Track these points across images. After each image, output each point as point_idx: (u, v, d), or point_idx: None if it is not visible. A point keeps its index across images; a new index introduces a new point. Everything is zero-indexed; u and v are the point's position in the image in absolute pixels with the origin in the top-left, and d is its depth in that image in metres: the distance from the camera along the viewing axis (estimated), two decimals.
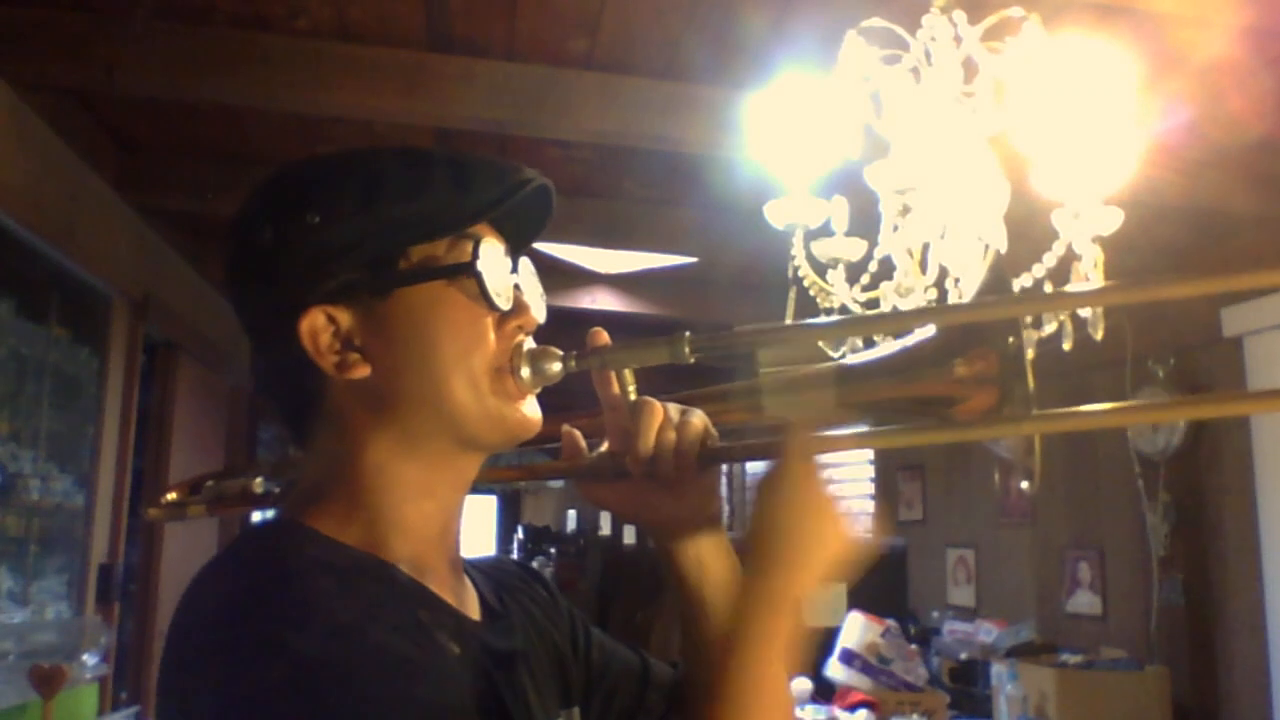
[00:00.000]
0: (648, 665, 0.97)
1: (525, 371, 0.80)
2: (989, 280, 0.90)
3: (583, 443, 0.90)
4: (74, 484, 3.18)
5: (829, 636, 3.45)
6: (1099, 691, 3.29)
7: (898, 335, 0.91)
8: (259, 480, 1.00)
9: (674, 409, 0.84)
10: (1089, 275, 1.69)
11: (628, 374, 0.85)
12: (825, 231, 1.85)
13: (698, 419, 0.83)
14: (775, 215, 1.82)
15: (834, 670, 3.38)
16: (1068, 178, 1.69)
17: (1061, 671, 3.33)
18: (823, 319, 0.83)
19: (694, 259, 3.95)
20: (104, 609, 3.30)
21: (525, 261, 0.84)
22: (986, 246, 1.70)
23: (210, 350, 4.53)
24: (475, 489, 0.87)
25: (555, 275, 4.29)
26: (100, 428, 3.33)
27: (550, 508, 12.26)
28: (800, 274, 1.85)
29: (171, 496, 1.04)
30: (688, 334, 0.80)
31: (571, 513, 11.24)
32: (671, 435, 0.82)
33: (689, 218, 3.52)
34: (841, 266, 1.85)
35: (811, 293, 1.85)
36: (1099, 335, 1.71)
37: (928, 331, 0.87)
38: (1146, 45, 2.12)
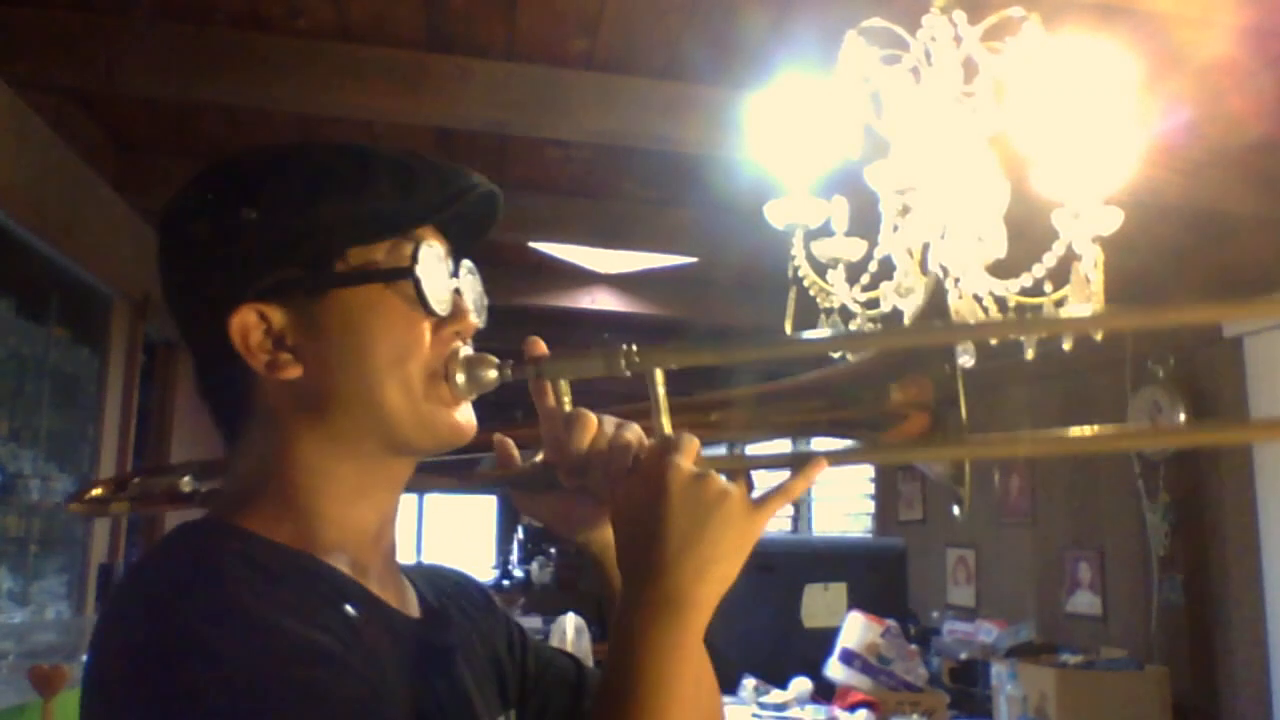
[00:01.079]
0: (582, 672, 0.97)
1: (460, 378, 0.78)
2: (928, 305, 0.90)
3: (515, 451, 0.89)
4: (74, 484, 3.18)
5: (829, 636, 3.45)
6: (1099, 691, 3.29)
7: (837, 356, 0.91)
8: (186, 479, 0.98)
9: (609, 422, 0.81)
10: (1089, 275, 1.69)
11: (564, 385, 0.83)
12: (825, 231, 1.85)
13: (631, 433, 0.80)
14: (775, 215, 1.82)
15: (834, 670, 3.38)
16: (1068, 178, 1.68)
17: (1061, 671, 3.33)
18: (755, 335, 0.83)
19: (694, 259, 3.95)
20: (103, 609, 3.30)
21: (467, 264, 0.83)
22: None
23: None
24: (476, 490, 0.86)
25: (555, 275, 4.29)
26: (100, 428, 3.33)
27: None
28: (800, 274, 1.85)
29: (96, 492, 1.01)
30: (624, 346, 0.79)
31: None
32: (603, 447, 0.80)
33: (689, 218, 3.52)
34: (841, 266, 1.85)
35: (811, 293, 1.85)
36: (1099, 336, 1.71)
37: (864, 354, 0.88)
38: (1146, 45, 2.12)
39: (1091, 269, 1.70)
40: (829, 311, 1.86)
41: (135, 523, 3.76)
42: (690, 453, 0.75)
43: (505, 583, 7.84)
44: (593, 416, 0.81)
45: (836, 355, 1.02)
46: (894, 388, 0.85)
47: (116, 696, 0.65)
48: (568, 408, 0.82)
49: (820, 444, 0.88)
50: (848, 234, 1.85)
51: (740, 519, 0.74)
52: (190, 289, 0.79)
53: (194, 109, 2.89)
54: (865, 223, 1.85)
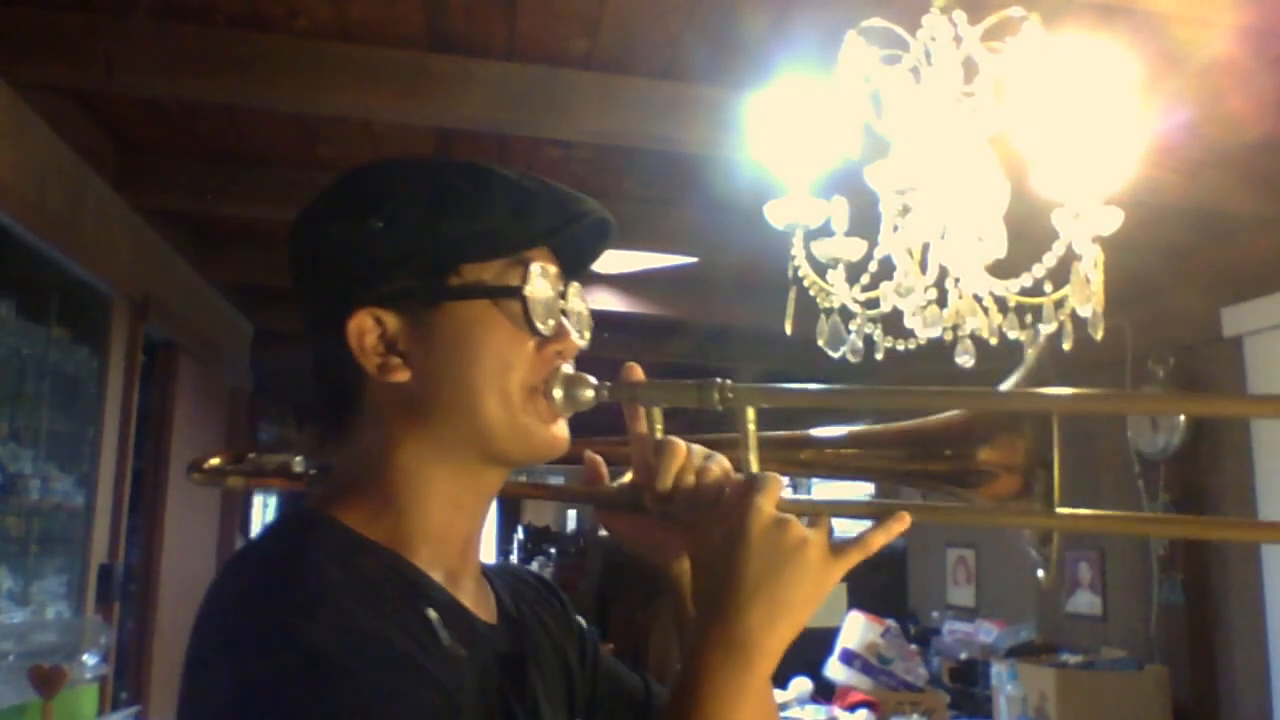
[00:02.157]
0: (650, 691, 0.99)
1: (558, 394, 0.82)
2: (1032, 369, 0.90)
3: (604, 470, 0.93)
4: (74, 484, 3.18)
5: (829, 636, 3.45)
6: (1099, 691, 3.29)
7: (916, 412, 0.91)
8: (299, 459, 1.01)
9: (698, 452, 0.85)
10: (1089, 275, 1.69)
11: (656, 412, 0.86)
12: (825, 231, 1.85)
13: (718, 465, 0.84)
14: (775, 215, 1.82)
15: (834, 670, 3.38)
16: (1068, 178, 1.68)
17: (1061, 671, 3.33)
18: (846, 387, 0.84)
19: (694, 259, 3.95)
20: (104, 609, 3.30)
21: (576, 287, 0.87)
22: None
23: (210, 350, 4.53)
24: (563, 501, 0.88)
25: None
26: (100, 428, 3.33)
27: (550, 508, 12.26)
28: (800, 274, 1.85)
29: (214, 462, 1.05)
30: (719, 381, 0.81)
31: (571, 513, 11.24)
32: (690, 479, 0.83)
33: (689, 218, 3.52)
34: (841, 266, 1.85)
35: (811, 293, 1.85)
36: (1099, 335, 1.71)
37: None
38: (1146, 45, 2.12)
39: (1091, 269, 1.70)
40: (829, 311, 1.86)
41: (135, 523, 3.76)
42: (773, 495, 0.77)
43: None
44: (682, 445, 0.84)
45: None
46: (984, 447, 0.85)
47: (208, 682, 0.69)
48: (659, 434, 0.86)
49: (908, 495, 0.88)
50: (848, 234, 1.85)
51: (817, 568, 0.76)
52: (315, 289, 0.83)
53: (194, 109, 2.89)
54: (865, 223, 1.85)
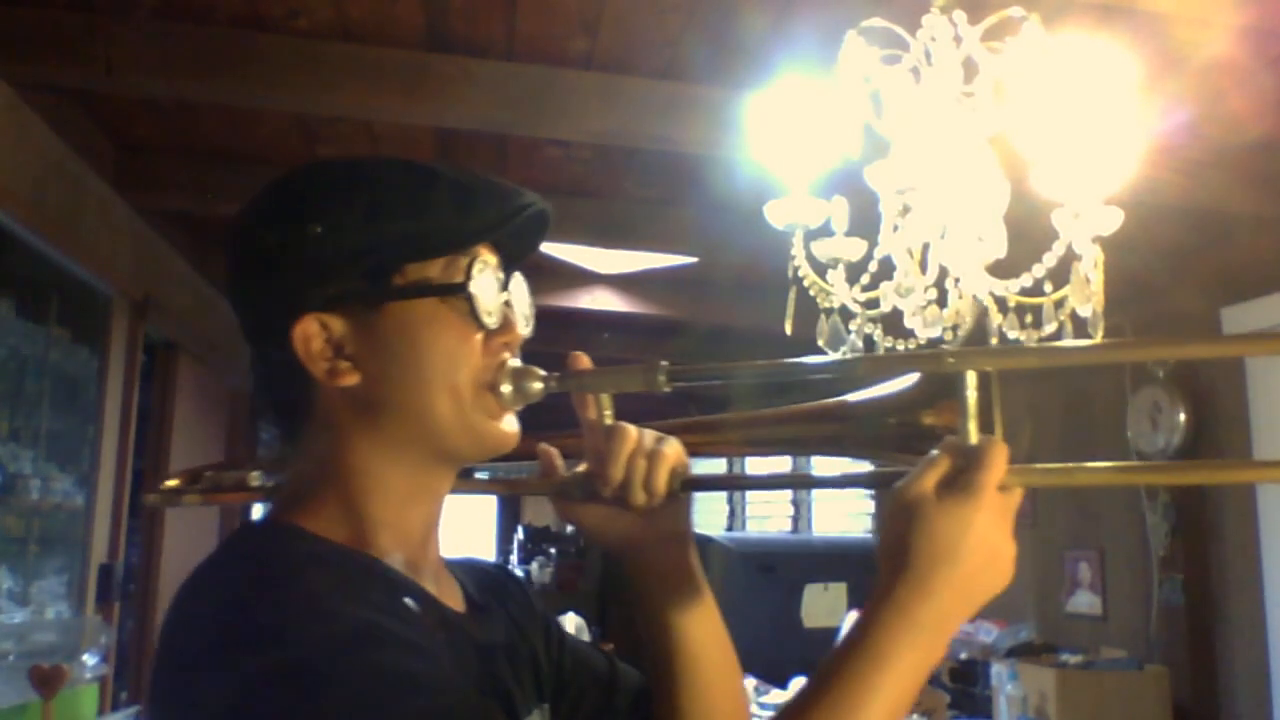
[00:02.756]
0: (615, 670, 0.99)
1: (507, 389, 0.82)
2: (972, 333, 0.92)
3: (559, 461, 0.93)
4: (74, 484, 3.18)
5: (829, 636, 3.45)
6: (1099, 691, 3.29)
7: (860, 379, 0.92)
8: (256, 474, 1.02)
9: (649, 436, 0.85)
10: (1089, 275, 1.69)
11: (605, 398, 0.86)
12: (825, 231, 1.84)
13: (670, 448, 0.84)
14: (775, 215, 1.81)
15: None
16: (1068, 178, 1.68)
17: (1061, 671, 3.33)
18: (792, 360, 0.84)
19: (694, 259, 3.95)
20: (104, 609, 3.30)
21: (518, 277, 0.87)
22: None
23: (210, 350, 4.53)
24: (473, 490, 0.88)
25: (555, 275, 4.29)
26: (100, 428, 3.33)
27: (550, 508, 12.25)
28: (800, 274, 1.85)
29: (172, 483, 1.06)
30: (663, 363, 0.81)
31: None
32: (642, 463, 0.83)
33: (689, 218, 3.52)
34: (841, 266, 1.85)
35: (811, 293, 1.85)
36: (1099, 336, 1.71)
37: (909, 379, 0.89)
38: (1146, 45, 2.12)
39: (1091, 269, 1.69)
40: (829, 311, 1.86)
41: (135, 523, 3.76)
42: (1001, 470, 0.72)
43: None
44: (632, 430, 0.84)
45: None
46: (927, 413, 0.86)
47: (196, 697, 0.66)
48: (608, 421, 0.86)
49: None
50: (848, 234, 1.84)
51: (1007, 556, 0.73)
52: (257, 297, 0.83)
53: (194, 109, 2.89)
54: (865, 223, 1.85)
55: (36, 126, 2.70)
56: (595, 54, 2.45)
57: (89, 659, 2.93)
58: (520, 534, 8.54)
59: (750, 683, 3.33)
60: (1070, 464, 0.78)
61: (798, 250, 1.83)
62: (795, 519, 6.69)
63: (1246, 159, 2.75)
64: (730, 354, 5.31)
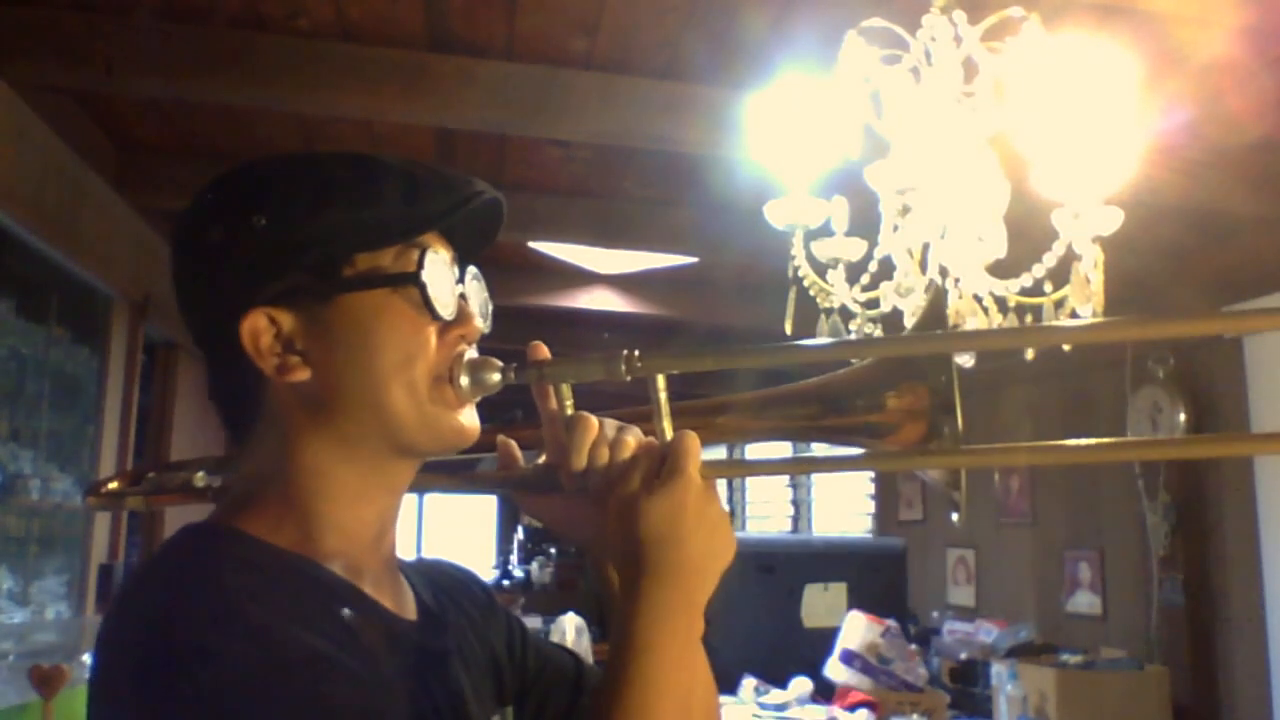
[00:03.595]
0: (581, 669, 0.98)
1: (464, 381, 0.80)
2: (928, 313, 0.92)
3: (518, 453, 0.90)
4: (74, 484, 3.18)
5: (829, 636, 3.45)
6: (1099, 691, 3.29)
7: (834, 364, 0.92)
8: (200, 474, 0.99)
9: (610, 426, 0.82)
10: (1089, 275, 1.69)
11: (566, 388, 0.84)
12: (825, 231, 1.85)
13: (632, 437, 0.81)
14: (775, 215, 1.82)
15: (834, 670, 3.38)
16: (1068, 178, 1.68)
17: (1061, 671, 3.33)
18: (754, 342, 0.84)
19: (694, 259, 3.95)
20: (104, 609, 3.30)
21: (473, 270, 0.85)
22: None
23: None
24: (478, 490, 0.87)
25: (555, 275, 4.29)
26: (100, 428, 3.33)
27: None
28: (800, 274, 1.85)
29: (112, 486, 1.03)
30: (624, 352, 0.80)
31: None
32: (604, 452, 0.80)
33: (689, 218, 3.52)
34: (841, 266, 1.85)
35: (811, 293, 1.85)
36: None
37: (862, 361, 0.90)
38: (1146, 45, 2.12)
39: (1091, 269, 1.70)
40: (829, 311, 1.86)
41: (135, 523, 3.76)
42: (697, 456, 0.77)
43: (505, 583, 7.84)
44: (594, 420, 0.81)
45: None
46: (891, 395, 0.86)
47: (119, 700, 0.66)
48: (569, 411, 0.83)
49: (819, 450, 0.89)
50: (848, 234, 1.85)
51: (728, 528, 0.78)
52: (202, 293, 0.80)
53: (194, 109, 2.89)
54: (865, 223, 1.85)
55: (36, 126, 2.70)
56: (595, 54, 2.45)
57: (89, 659, 2.92)
58: (520, 534, 8.55)
59: (750, 683, 3.33)
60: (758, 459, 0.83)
61: (798, 250, 1.83)
62: (795, 519, 6.70)
63: (1246, 159, 2.75)
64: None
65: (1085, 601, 4.01)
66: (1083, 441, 0.75)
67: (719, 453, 6.45)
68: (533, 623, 6.42)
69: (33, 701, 2.63)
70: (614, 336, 5.14)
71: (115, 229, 3.33)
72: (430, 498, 7.85)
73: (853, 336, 1.86)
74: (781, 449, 5.60)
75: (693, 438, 0.77)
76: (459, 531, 8.37)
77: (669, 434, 0.80)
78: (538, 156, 3.14)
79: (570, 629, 5.12)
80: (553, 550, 7.97)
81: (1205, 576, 3.47)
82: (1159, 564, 3.56)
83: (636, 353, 0.80)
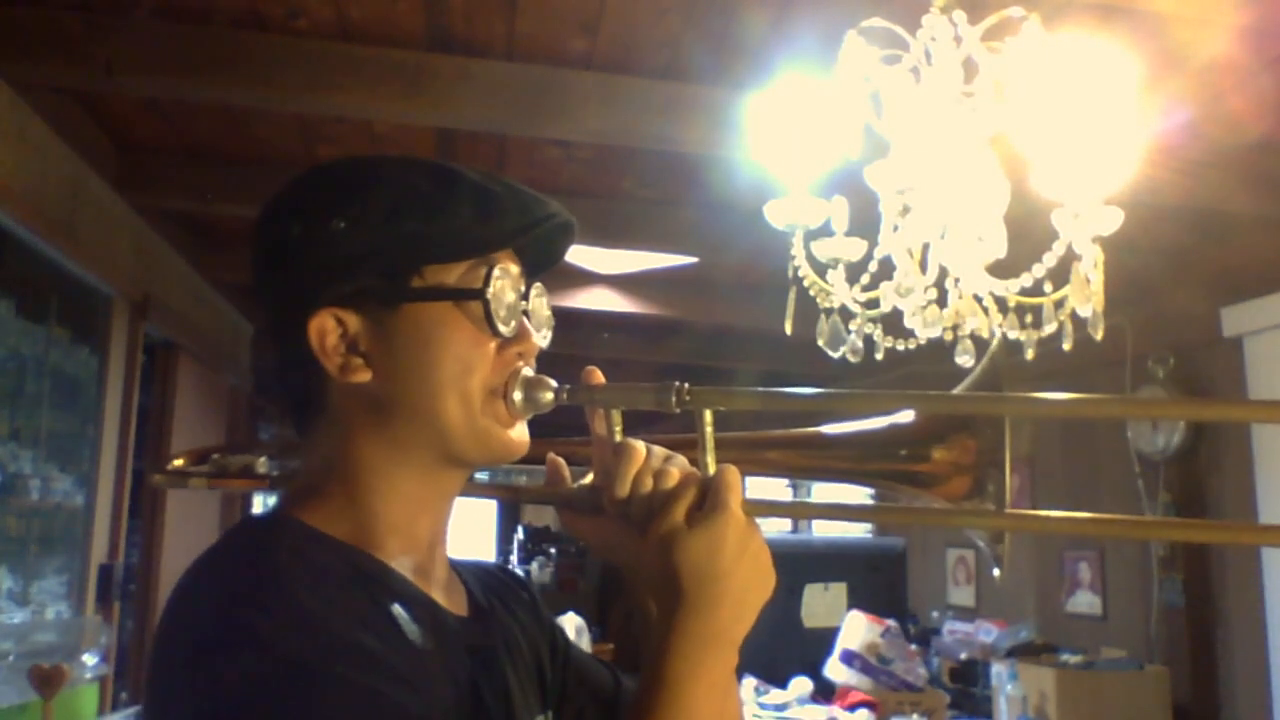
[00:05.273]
0: (620, 685, 0.99)
1: (518, 397, 0.82)
2: (986, 373, 0.92)
3: (566, 471, 0.92)
4: (74, 484, 3.18)
5: (829, 636, 3.45)
6: (1099, 691, 3.29)
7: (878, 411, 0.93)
8: (263, 459, 1.00)
9: (658, 455, 0.84)
10: (1089, 275, 1.69)
11: (616, 414, 0.86)
12: (825, 231, 1.85)
13: (677, 469, 0.82)
14: (775, 215, 1.81)
15: (834, 670, 3.38)
16: (1068, 178, 1.68)
17: (1061, 671, 3.33)
18: (805, 390, 0.85)
19: (694, 259, 3.95)
20: (104, 609, 3.30)
21: (538, 287, 0.87)
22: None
23: (210, 350, 4.53)
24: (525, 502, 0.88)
25: (555, 275, 4.26)
26: (100, 428, 3.33)
27: (550, 509, 12.24)
28: (800, 274, 1.85)
29: (178, 463, 1.05)
30: (676, 384, 0.82)
31: None
32: (649, 481, 0.82)
33: (689, 218, 3.52)
34: (841, 266, 1.85)
35: (811, 293, 1.85)
36: (1099, 335, 1.71)
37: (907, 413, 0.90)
38: (1146, 45, 2.12)
39: (1091, 269, 1.70)
40: (829, 311, 1.86)
41: (135, 523, 3.76)
42: (740, 496, 0.78)
43: None
44: (641, 448, 0.83)
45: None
46: (939, 448, 0.88)
47: (172, 681, 0.69)
48: (618, 437, 0.85)
49: (857, 494, 0.89)
50: (848, 234, 1.85)
51: (768, 563, 0.79)
52: (277, 289, 0.83)
53: (194, 109, 2.89)
54: (865, 223, 1.85)
55: (36, 126, 2.70)
56: (595, 54, 2.45)
57: (89, 659, 2.93)
58: (520, 534, 8.54)
59: (750, 683, 3.33)
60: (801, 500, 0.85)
61: (798, 250, 1.83)
62: (795, 519, 6.69)
63: (1246, 159, 2.75)
64: (730, 354, 5.32)
65: (1085, 601, 4.01)
66: (1125, 518, 0.75)
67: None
68: None
69: (33, 701, 2.63)
70: (614, 336, 5.14)
71: (115, 229, 3.33)
72: None
73: (851, 338, 1.86)
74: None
75: (735, 473, 0.79)
76: (459, 531, 8.34)
77: (712, 468, 0.81)
78: (538, 156, 3.14)
79: (570, 629, 5.12)
80: (553, 550, 7.97)
81: (1205, 576, 3.47)
82: (1159, 564, 3.56)
83: (687, 385, 0.81)
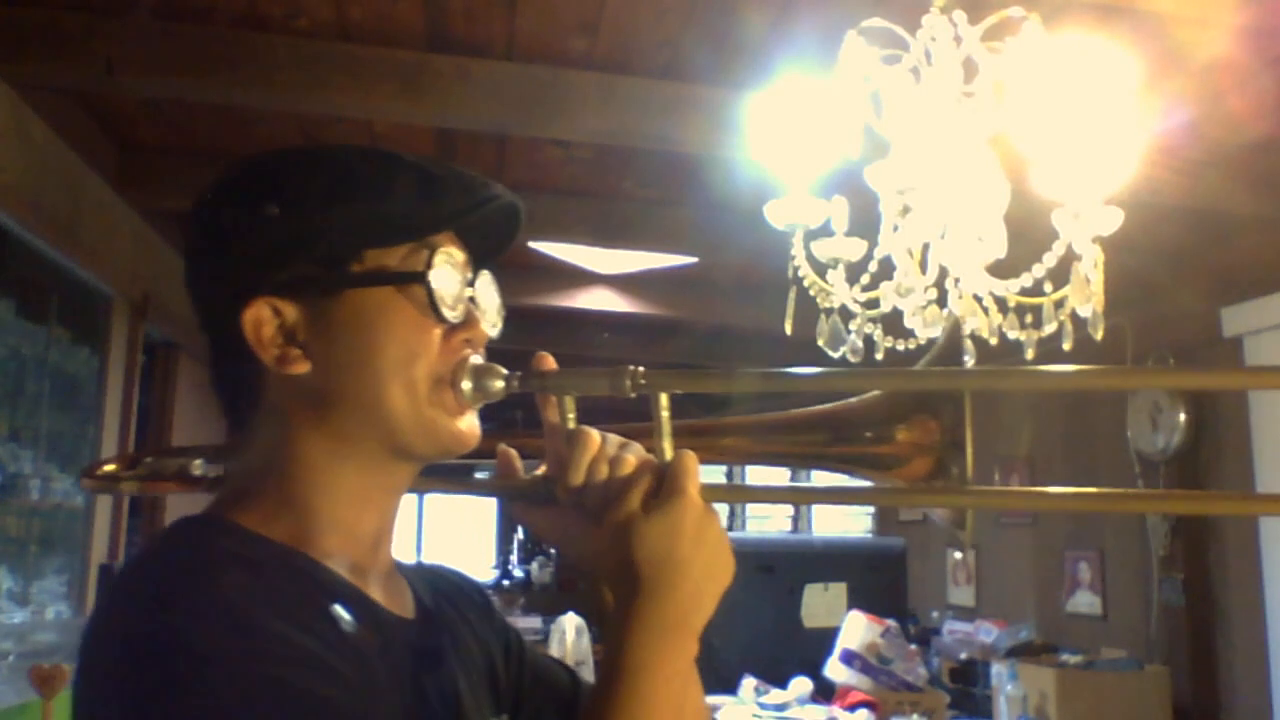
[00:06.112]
0: (577, 687, 0.97)
1: (467, 386, 0.79)
2: (943, 349, 0.91)
3: (518, 462, 0.88)
4: (74, 484, 3.18)
5: (829, 636, 3.45)
6: (1099, 691, 3.29)
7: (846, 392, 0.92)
8: (198, 462, 0.98)
9: (613, 442, 0.80)
10: (1089, 275, 1.69)
11: (569, 401, 0.82)
12: (825, 231, 1.85)
13: (633, 455, 0.79)
14: (775, 215, 1.82)
15: (834, 670, 3.38)
16: (1068, 178, 1.68)
17: (1061, 671, 3.33)
18: (760, 370, 0.84)
19: (694, 259, 3.95)
20: None
21: (486, 275, 0.84)
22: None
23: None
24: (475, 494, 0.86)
25: (555, 275, 4.29)
26: (100, 428, 3.33)
27: None
28: (800, 274, 1.85)
29: (109, 468, 1.02)
30: (630, 368, 0.79)
31: None
32: (604, 469, 0.79)
33: (689, 218, 3.52)
34: (841, 266, 1.85)
35: (811, 293, 1.85)
36: (1099, 336, 1.71)
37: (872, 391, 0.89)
38: (1146, 45, 2.12)
39: (1091, 269, 1.70)
40: (829, 311, 1.86)
41: (135, 523, 3.76)
42: (698, 481, 0.76)
43: (505, 583, 7.84)
44: (595, 435, 0.80)
45: None
46: (900, 428, 0.86)
47: (105, 690, 0.66)
48: (571, 424, 0.82)
49: (821, 479, 0.89)
50: (848, 234, 1.85)
51: (727, 550, 0.77)
52: (209, 278, 0.80)
53: (194, 109, 2.89)
54: (865, 223, 1.85)
55: (36, 126, 2.70)
56: (595, 54, 2.45)
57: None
58: (520, 534, 8.55)
59: (750, 683, 3.33)
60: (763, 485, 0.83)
61: (798, 250, 1.83)
62: (795, 519, 6.70)
63: (1246, 159, 2.75)
64: (730, 354, 5.32)
65: (1085, 601, 4.01)
66: (1082, 490, 0.75)
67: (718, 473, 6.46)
68: (532, 623, 6.43)
69: (33, 701, 2.63)
70: (614, 336, 5.14)
71: (115, 229, 3.33)
72: (430, 497, 7.85)
73: (851, 338, 1.86)
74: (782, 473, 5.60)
75: (692, 458, 0.77)
76: (459, 531, 8.37)
77: (669, 453, 0.79)
78: (538, 156, 3.14)
79: (570, 629, 5.12)
80: (553, 550, 7.97)
81: (1205, 576, 3.47)
82: (1159, 564, 3.56)
83: (641, 369, 0.79)
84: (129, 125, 3.09)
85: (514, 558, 8.21)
